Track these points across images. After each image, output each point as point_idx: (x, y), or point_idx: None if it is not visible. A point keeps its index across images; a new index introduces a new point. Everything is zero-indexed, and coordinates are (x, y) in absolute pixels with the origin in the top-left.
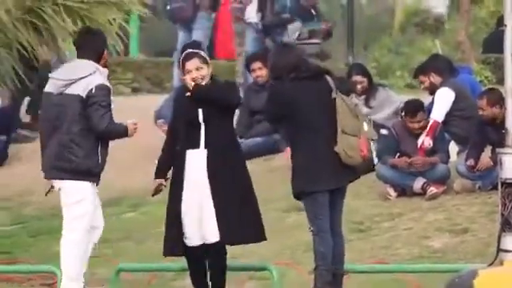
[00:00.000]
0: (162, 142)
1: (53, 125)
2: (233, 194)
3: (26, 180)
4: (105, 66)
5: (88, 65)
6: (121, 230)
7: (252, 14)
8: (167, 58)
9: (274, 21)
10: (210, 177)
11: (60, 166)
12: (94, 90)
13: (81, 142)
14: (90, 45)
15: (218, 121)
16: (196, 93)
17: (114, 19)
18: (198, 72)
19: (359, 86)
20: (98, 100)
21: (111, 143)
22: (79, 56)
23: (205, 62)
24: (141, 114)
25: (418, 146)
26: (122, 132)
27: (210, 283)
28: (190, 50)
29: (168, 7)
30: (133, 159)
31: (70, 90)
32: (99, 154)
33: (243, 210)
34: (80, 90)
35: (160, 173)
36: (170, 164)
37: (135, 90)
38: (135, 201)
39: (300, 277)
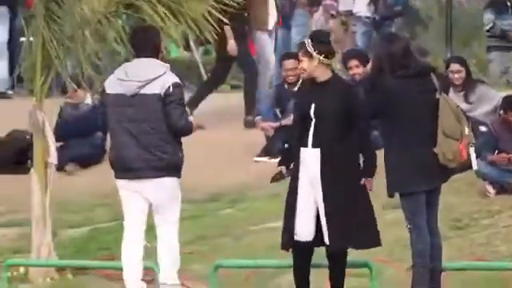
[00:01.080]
0: (260, 139)
1: (126, 126)
2: (344, 196)
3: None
4: (162, 59)
5: (157, 64)
6: (218, 227)
7: (361, 7)
8: None
9: (387, 14)
10: (322, 177)
11: (154, 165)
12: (171, 89)
13: (169, 139)
14: (149, 43)
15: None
16: None
17: (210, 13)
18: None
19: (456, 76)
20: (176, 98)
21: (211, 141)
22: (139, 55)
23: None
24: (240, 110)
25: None
26: (192, 129)
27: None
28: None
29: None
30: (231, 156)
31: (147, 90)
32: (180, 149)
33: (355, 214)
34: (157, 89)
35: (283, 161)
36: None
37: (234, 87)
38: (233, 197)
39: (398, 274)
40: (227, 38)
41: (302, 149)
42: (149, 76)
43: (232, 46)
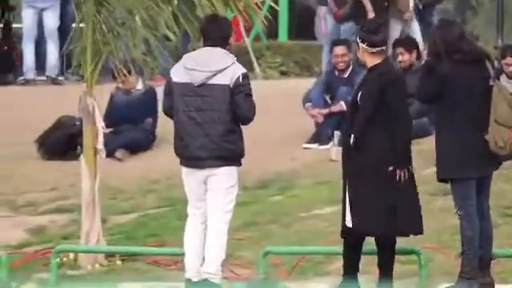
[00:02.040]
0: (310, 125)
1: (193, 115)
2: (370, 183)
3: (175, 162)
4: (229, 51)
5: (225, 54)
6: (268, 213)
7: None
8: (316, 42)
9: (430, 1)
10: (348, 163)
11: (219, 155)
12: (240, 79)
13: (234, 128)
14: (218, 32)
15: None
16: None
17: (263, 1)
18: None
19: (510, 68)
20: (245, 89)
21: (260, 128)
22: (207, 44)
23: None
24: (289, 97)
25: None
26: None
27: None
28: None
29: None
30: (281, 142)
31: (216, 80)
32: (241, 138)
33: (381, 201)
34: (227, 79)
35: None
36: None
37: (284, 74)
38: (283, 184)
39: (447, 261)
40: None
41: (352, 135)
42: (218, 66)
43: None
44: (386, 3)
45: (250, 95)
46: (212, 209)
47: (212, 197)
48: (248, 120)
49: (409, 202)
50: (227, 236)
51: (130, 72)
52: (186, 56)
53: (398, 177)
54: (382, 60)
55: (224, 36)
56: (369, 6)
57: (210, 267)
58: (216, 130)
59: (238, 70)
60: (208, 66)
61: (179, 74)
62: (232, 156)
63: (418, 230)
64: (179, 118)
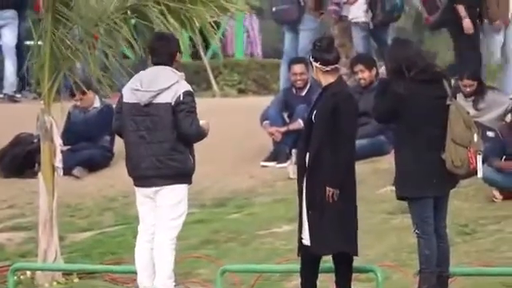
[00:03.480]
0: (268, 143)
1: (141, 134)
2: (325, 201)
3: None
4: (177, 68)
5: (171, 73)
6: (226, 231)
7: (358, 13)
8: (273, 60)
9: (385, 20)
10: (306, 182)
11: (163, 174)
12: (182, 97)
13: (179, 147)
14: (164, 50)
15: (324, 123)
16: None
17: (217, 22)
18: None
19: (468, 89)
20: (187, 107)
21: (218, 146)
22: (154, 61)
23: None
24: (247, 115)
25: None
26: (204, 135)
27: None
28: None
29: (274, 9)
30: (239, 160)
31: (160, 99)
32: (190, 156)
33: (334, 220)
34: (169, 98)
35: None
36: None
37: (241, 92)
38: (241, 202)
39: (404, 279)
40: (462, 18)
41: (307, 154)
42: (161, 85)
43: (468, 24)
44: (478, 9)
45: (191, 113)
46: (158, 225)
47: (158, 213)
48: (191, 137)
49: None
50: (174, 252)
51: (87, 90)
52: (135, 76)
53: (326, 195)
54: (336, 79)
55: (170, 53)
56: (463, 12)
57: (158, 284)
58: (162, 149)
59: (181, 88)
60: (152, 85)
61: (127, 94)
62: (179, 174)
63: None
64: (129, 139)
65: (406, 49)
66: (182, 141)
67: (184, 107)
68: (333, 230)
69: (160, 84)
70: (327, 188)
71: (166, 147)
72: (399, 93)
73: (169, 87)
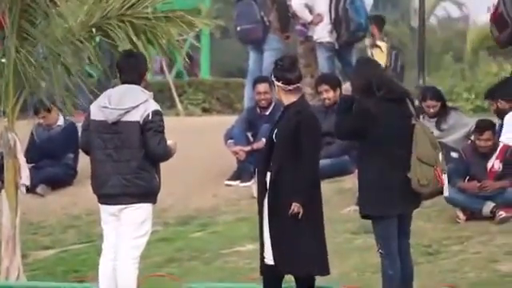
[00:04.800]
0: (232, 162)
1: (108, 153)
2: (288, 220)
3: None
4: (145, 87)
5: (139, 91)
6: (189, 249)
7: (323, 33)
8: (237, 79)
9: (349, 39)
10: (268, 203)
11: (129, 192)
12: (150, 116)
13: (146, 166)
14: (133, 68)
15: (286, 142)
16: None
17: (184, 39)
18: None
19: (432, 110)
20: (154, 126)
21: (182, 164)
22: (123, 79)
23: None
24: (211, 134)
25: (488, 169)
26: (171, 154)
27: None
28: None
29: (238, 28)
30: (203, 179)
31: (128, 118)
32: (156, 175)
33: (300, 240)
34: (137, 116)
35: None
36: None
37: (205, 111)
38: (204, 220)
39: None
40: None
41: (268, 173)
42: (130, 104)
43: None
44: None
45: (159, 132)
46: (121, 244)
47: (121, 232)
48: (158, 156)
49: (318, 241)
50: (137, 271)
51: (51, 108)
52: (104, 93)
53: (291, 211)
54: (298, 98)
55: (138, 72)
56: None
57: None
58: (129, 168)
59: (150, 107)
60: (121, 103)
61: (95, 111)
62: (145, 193)
63: (323, 271)
64: (96, 157)
65: (374, 68)
66: (148, 160)
67: (152, 126)
68: (297, 249)
69: (129, 102)
70: (292, 204)
71: (133, 166)
72: (368, 111)
73: (137, 106)
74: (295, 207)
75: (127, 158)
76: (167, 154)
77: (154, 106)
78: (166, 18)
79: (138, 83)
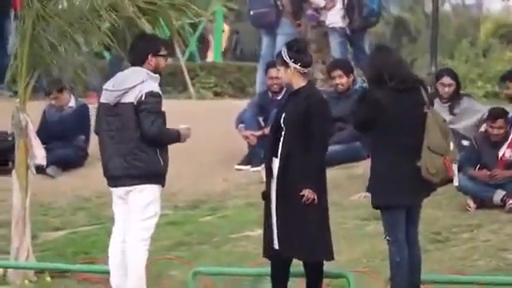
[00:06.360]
0: (242, 147)
1: (111, 135)
2: (294, 209)
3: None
4: (155, 71)
5: (140, 72)
6: (199, 233)
7: (335, 18)
8: (250, 63)
9: (361, 25)
10: (276, 188)
11: (129, 174)
12: (143, 97)
13: (144, 147)
14: (136, 49)
15: (297, 127)
16: None
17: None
18: None
19: (447, 89)
20: (148, 107)
21: (193, 148)
22: (130, 61)
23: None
24: (223, 118)
25: (499, 157)
26: (174, 137)
27: None
28: None
29: (252, 12)
30: (214, 163)
31: (125, 99)
32: (160, 156)
33: (305, 226)
34: (132, 97)
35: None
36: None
37: (217, 94)
38: (214, 204)
39: (376, 285)
40: None
41: (274, 159)
42: (127, 85)
43: None
44: None
45: (152, 113)
46: (129, 226)
47: (129, 214)
48: (151, 137)
49: (323, 226)
50: (147, 253)
51: (62, 89)
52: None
53: (305, 198)
54: (307, 83)
55: (141, 53)
56: None
57: (129, 286)
58: (127, 149)
59: (145, 88)
60: (120, 85)
61: (102, 94)
62: (146, 174)
63: (328, 257)
64: (102, 139)
65: (388, 57)
66: (146, 141)
67: (146, 107)
68: (302, 235)
69: (126, 84)
70: (304, 190)
71: (130, 147)
72: (378, 101)
73: (133, 87)
74: (309, 194)
75: (126, 139)
76: (161, 135)
77: (149, 87)
78: (170, 5)
79: (140, 65)
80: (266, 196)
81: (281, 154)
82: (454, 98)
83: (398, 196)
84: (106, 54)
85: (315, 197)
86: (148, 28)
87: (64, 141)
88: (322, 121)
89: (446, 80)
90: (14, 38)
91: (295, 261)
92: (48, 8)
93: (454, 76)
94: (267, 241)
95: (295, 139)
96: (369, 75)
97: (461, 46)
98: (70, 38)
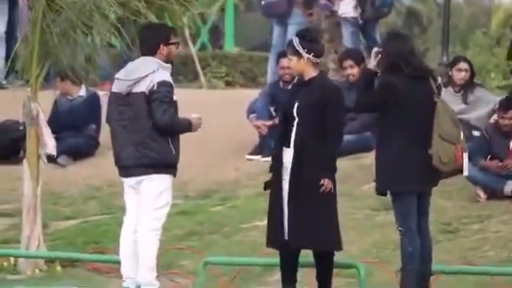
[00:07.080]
0: (253, 136)
1: (123, 124)
2: (309, 198)
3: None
4: (167, 60)
5: (151, 62)
6: (209, 223)
7: (347, 8)
8: (262, 53)
9: (374, 15)
10: (290, 177)
11: (141, 163)
12: (155, 87)
13: (156, 137)
14: (147, 40)
15: (311, 117)
16: None
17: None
18: None
19: (463, 74)
20: (160, 96)
21: (204, 137)
22: (141, 51)
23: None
24: (234, 107)
25: (510, 148)
26: (185, 127)
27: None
28: None
29: (263, 2)
30: (225, 153)
31: (136, 89)
32: (172, 146)
33: (317, 216)
34: (144, 87)
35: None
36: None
37: (229, 84)
38: (225, 194)
39: (387, 276)
40: None
41: (284, 149)
42: (139, 75)
43: None
44: None
45: (164, 102)
46: (140, 215)
47: (140, 204)
48: (163, 127)
49: (333, 216)
50: (158, 243)
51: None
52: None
53: (324, 188)
54: (319, 72)
55: (152, 43)
56: None
57: (140, 276)
58: (139, 139)
59: (157, 77)
60: (132, 74)
61: (114, 83)
62: (157, 164)
63: (337, 247)
64: (113, 128)
65: (404, 44)
66: (157, 130)
67: (157, 96)
68: (313, 225)
69: (137, 73)
70: (323, 179)
71: (142, 136)
72: (395, 87)
73: (145, 76)
74: (328, 183)
75: (138, 129)
76: (173, 124)
77: (161, 76)
78: (176, 1)
79: (151, 54)
80: (269, 186)
81: (294, 143)
82: (468, 87)
83: (408, 182)
84: (116, 42)
85: (332, 186)
86: (154, 20)
87: (75, 130)
88: (337, 110)
89: (463, 65)
90: (23, 27)
91: (304, 251)
92: None
93: (469, 63)
94: (276, 231)
95: (309, 129)
96: (384, 61)
97: (475, 37)
98: (79, 28)
